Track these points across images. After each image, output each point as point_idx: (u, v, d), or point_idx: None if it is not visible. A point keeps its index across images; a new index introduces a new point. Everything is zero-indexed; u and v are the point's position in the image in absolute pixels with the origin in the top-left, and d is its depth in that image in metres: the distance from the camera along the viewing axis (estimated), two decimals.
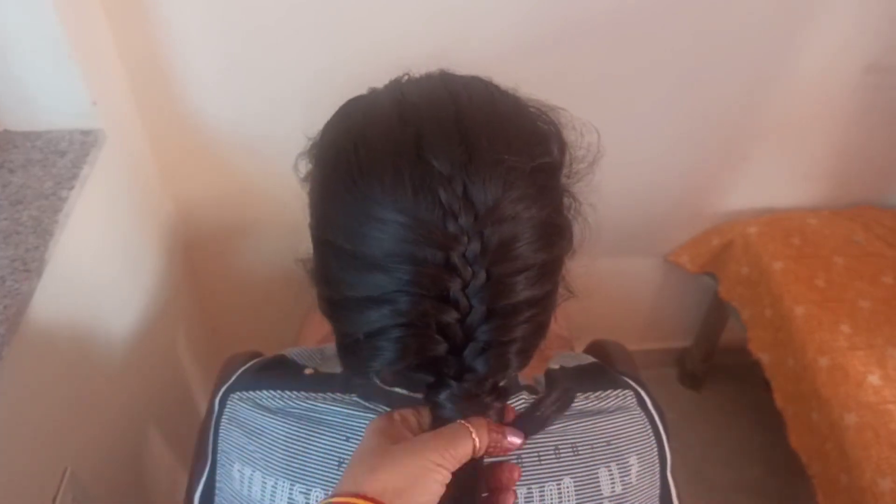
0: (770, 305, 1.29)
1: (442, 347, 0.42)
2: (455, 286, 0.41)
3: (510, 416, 0.46)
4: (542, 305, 0.45)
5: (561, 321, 1.07)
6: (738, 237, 1.38)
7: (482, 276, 0.41)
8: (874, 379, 1.09)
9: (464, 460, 0.41)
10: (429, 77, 0.49)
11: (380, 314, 0.42)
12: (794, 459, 1.20)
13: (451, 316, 0.41)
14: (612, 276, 1.50)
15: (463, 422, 0.42)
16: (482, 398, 0.43)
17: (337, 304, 0.45)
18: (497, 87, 0.48)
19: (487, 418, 0.43)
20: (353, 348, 0.45)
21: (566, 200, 0.48)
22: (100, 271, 0.89)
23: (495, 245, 0.41)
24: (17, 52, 0.80)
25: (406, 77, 0.50)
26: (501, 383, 0.47)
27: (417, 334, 0.42)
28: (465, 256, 0.41)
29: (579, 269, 0.50)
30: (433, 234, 0.40)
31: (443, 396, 0.43)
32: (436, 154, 0.41)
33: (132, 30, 0.94)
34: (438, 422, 0.44)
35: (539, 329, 0.45)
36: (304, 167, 0.50)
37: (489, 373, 0.43)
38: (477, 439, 0.41)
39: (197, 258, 1.28)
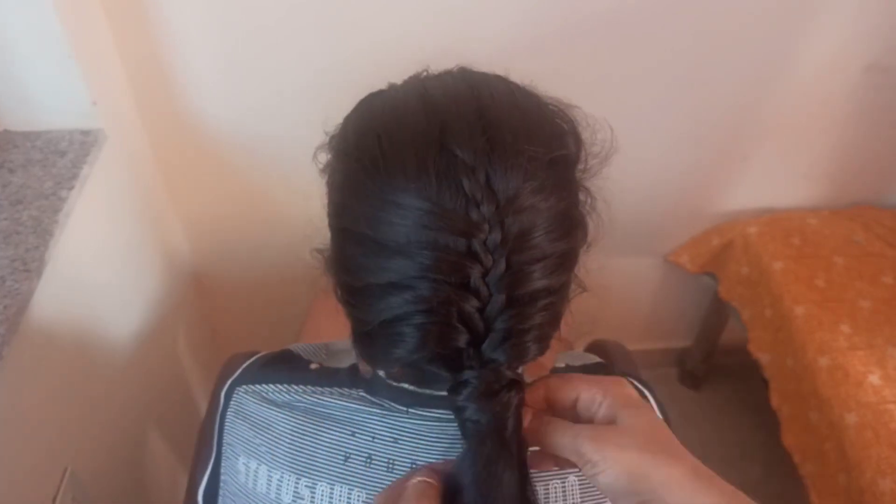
0: (770, 305, 1.29)
1: (463, 336, 0.42)
2: (475, 274, 0.41)
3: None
4: (558, 295, 0.45)
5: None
6: (738, 237, 1.38)
7: (502, 264, 0.41)
8: (874, 379, 1.09)
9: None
10: (449, 73, 0.50)
11: (401, 300, 0.42)
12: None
13: (472, 303, 0.42)
14: (612, 275, 1.50)
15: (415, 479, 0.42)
16: (501, 395, 0.43)
17: (357, 291, 0.45)
18: (515, 84, 0.49)
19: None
20: (372, 336, 0.45)
21: (581, 195, 0.49)
22: (100, 271, 0.89)
23: (515, 234, 0.41)
24: (17, 52, 0.80)
25: (425, 73, 0.50)
26: (520, 377, 0.47)
27: (439, 321, 0.42)
28: (486, 244, 0.41)
29: (592, 265, 0.51)
30: (456, 222, 0.41)
31: (463, 396, 0.43)
32: (459, 144, 0.41)
33: (132, 30, 0.94)
34: (463, 428, 0.43)
35: (555, 318, 0.46)
36: (323, 159, 0.50)
37: (508, 362, 0.43)
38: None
39: (197, 258, 1.28)
